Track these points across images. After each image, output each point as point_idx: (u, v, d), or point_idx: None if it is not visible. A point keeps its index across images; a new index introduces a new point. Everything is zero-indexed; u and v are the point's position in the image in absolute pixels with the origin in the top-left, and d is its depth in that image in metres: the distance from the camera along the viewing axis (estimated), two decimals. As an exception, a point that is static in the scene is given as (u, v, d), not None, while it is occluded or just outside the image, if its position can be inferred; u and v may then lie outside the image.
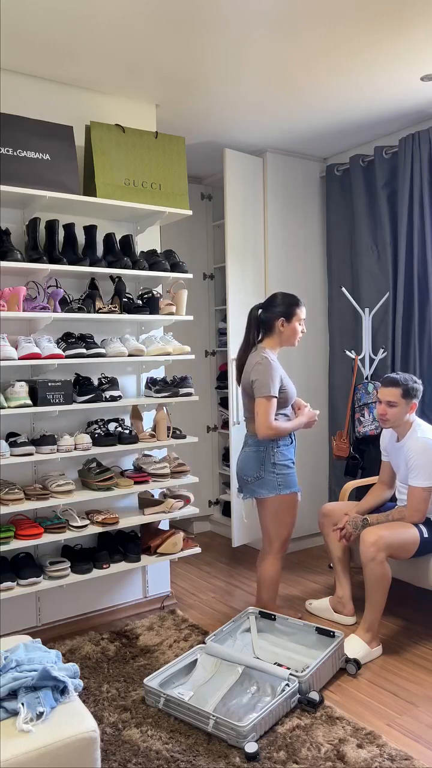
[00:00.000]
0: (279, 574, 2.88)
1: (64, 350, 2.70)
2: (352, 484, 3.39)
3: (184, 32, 2.51)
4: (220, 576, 3.73)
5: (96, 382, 2.95)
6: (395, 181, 3.69)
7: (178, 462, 3.10)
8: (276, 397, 2.70)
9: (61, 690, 1.69)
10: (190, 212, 3.11)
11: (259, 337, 2.88)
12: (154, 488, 3.04)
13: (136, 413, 3.12)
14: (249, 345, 2.86)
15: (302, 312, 2.83)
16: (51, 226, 2.76)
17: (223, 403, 4.59)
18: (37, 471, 2.88)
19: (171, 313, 3.03)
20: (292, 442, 2.83)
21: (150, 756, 2.06)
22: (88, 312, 2.78)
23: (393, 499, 3.10)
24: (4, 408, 2.55)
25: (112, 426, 2.96)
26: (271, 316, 2.82)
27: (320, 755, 2.05)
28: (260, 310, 2.87)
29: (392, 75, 2.97)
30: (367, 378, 3.78)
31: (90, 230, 2.92)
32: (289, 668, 2.47)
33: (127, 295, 3.00)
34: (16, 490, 2.59)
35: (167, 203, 3.05)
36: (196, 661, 2.50)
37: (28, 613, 2.88)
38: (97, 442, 2.82)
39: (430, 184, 3.43)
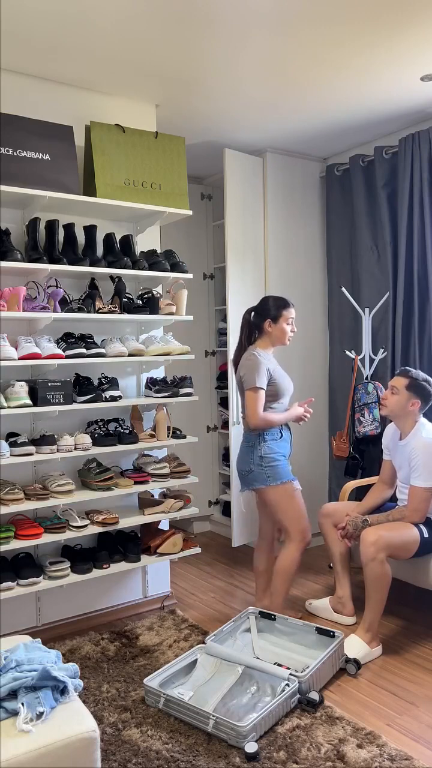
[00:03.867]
0: (295, 565, 2.89)
1: (64, 350, 2.70)
2: (352, 484, 3.39)
3: (184, 32, 2.51)
4: (220, 576, 3.73)
5: (96, 382, 2.96)
6: (395, 181, 3.69)
7: (178, 462, 3.10)
8: (261, 388, 2.79)
9: (61, 690, 1.69)
10: (190, 212, 3.11)
11: (253, 339, 2.98)
12: (154, 488, 3.04)
13: (136, 413, 3.12)
14: (242, 347, 2.98)
15: (290, 312, 2.91)
16: (51, 226, 2.76)
17: (223, 403, 4.59)
18: (37, 471, 2.88)
19: (171, 313, 3.03)
20: (281, 437, 2.87)
21: (150, 756, 2.06)
22: (88, 312, 2.78)
23: (393, 498, 3.10)
24: (4, 408, 2.55)
25: (112, 426, 2.97)
26: (260, 319, 2.93)
27: (320, 755, 2.05)
28: (252, 314, 2.97)
29: (392, 75, 2.97)
30: (367, 378, 3.78)
31: (90, 230, 2.92)
32: (289, 668, 2.47)
33: (127, 295, 3.00)
34: (16, 490, 2.59)
35: (167, 203, 3.05)
36: (196, 661, 2.50)
37: (28, 613, 2.88)
38: (97, 442, 2.83)
39: (430, 184, 3.43)
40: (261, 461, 2.83)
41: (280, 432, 2.88)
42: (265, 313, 2.90)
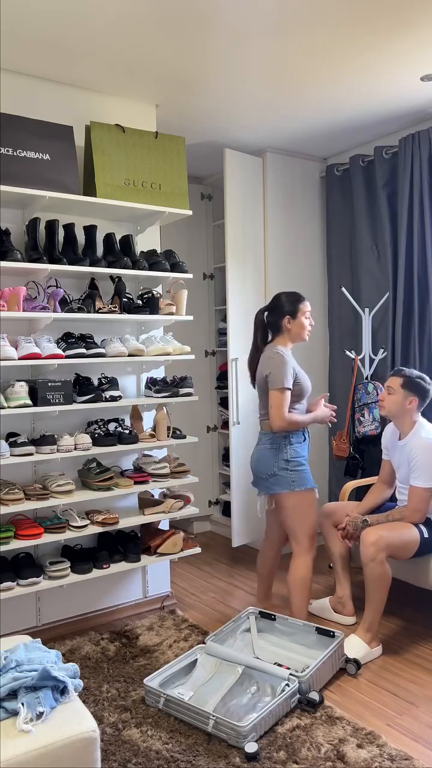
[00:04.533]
0: (310, 574, 2.81)
1: (64, 350, 2.70)
2: (352, 484, 3.39)
3: (184, 32, 2.51)
4: (220, 576, 3.73)
5: (96, 382, 2.96)
6: (395, 181, 3.69)
7: (178, 462, 3.10)
8: (289, 389, 2.70)
9: (61, 690, 1.69)
10: (190, 212, 3.11)
11: (270, 339, 2.91)
12: (154, 488, 3.04)
13: (136, 413, 3.12)
14: (257, 348, 2.91)
15: (306, 306, 2.85)
16: (51, 226, 2.76)
17: (223, 403, 4.59)
18: (37, 471, 2.88)
19: (171, 313, 3.03)
20: (305, 440, 2.81)
21: (150, 756, 2.06)
22: (88, 312, 2.78)
23: (393, 498, 3.10)
24: (4, 408, 2.55)
25: (112, 426, 2.96)
26: (277, 317, 2.85)
27: (320, 755, 2.05)
28: (266, 314, 2.90)
29: (392, 75, 2.97)
30: (367, 378, 3.78)
31: (90, 230, 2.92)
32: (289, 668, 2.47)
33: (127, 295, 3.00)
34: (16, 490, 2.59)
35: (167, 203, 3.05)
36: (196, 661, 2.50)
37: (28, 613, 2.88)
38: (97, 442, 2.82)
39: (430, 184, 3.43)
40: (287, 465, 2.74)
41: (304, 435, 2.80)
42: (281, 310, 2.82)
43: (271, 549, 3.05)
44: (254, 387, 2.95)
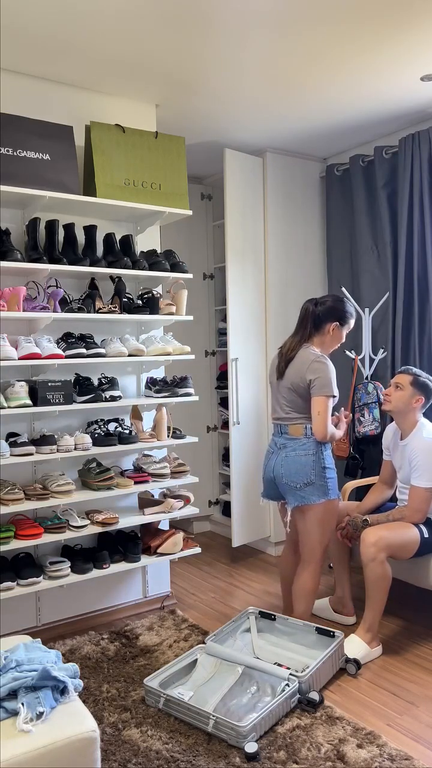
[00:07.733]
0: (318, 585, 2.75)
1: (64, 350, 2.70)
2: (352, 484, 3.39)
3: (184, 32, 2.51)
4: (220, 576, 3.73)
5: (96, 382, 2.96)
6: (395, 181, 3.69)
7: (178, 462, 3.10)
8: (336, 397, 2.61)
9: (61, 690, 1.69)
10: (190, 212, 3.11)
11: (311, 334, 2.75)
12: (154, 488, 3.04)
13: (136, 413, 3.12)
14: (302, 339, 2.72)
15: (352, 325, 2.76)
16: (51, 226, 2.76)
17: (223, 403, 4.59)
18: (37, 471, 2.88)
19: (171, 313, 3.03)
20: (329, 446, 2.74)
21: (150, 756, 2.06)
22: (88, 312, 2.78)
23: (393, 498, 3.10)
24: (4, 408, 2.55)
25: (112, 426, 2.97)
26: (326, 316, 2.71)
27: (320, 755, 2.05)
28: (318, 307, 2.72)
29: (392, 75, 2.97)
30: (367, 378, 3.78)
31: (90, 230, 2.92)
32: (289, 668, 2.47)
33: (127, 295, 3.00)
34: (16, 490, 2.59)
35: (167, 203, 3.05)
36: (196, 661, 2.50)
37: (28, 613, 2.88)
38: (97, 442, 2.83)
39: (430, 184, 3.43)
40: (324, 472, 2.62)
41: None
42: (335, 313, 2.69)
43: (295, 554, 2.94)
44: (278, 378, 2.74)
